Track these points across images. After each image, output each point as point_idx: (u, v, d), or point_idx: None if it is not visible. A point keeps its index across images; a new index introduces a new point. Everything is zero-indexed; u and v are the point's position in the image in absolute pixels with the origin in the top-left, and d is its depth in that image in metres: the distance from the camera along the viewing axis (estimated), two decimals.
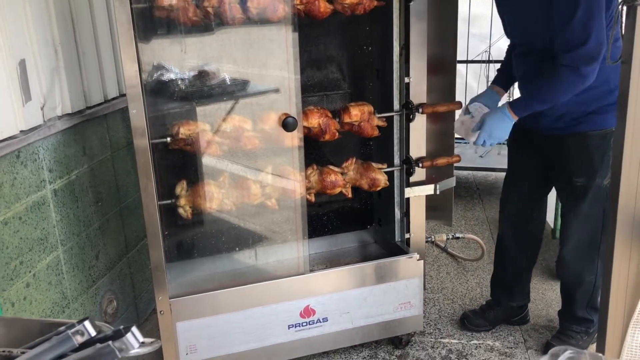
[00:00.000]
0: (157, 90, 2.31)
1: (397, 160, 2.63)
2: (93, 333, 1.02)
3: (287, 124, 2.30)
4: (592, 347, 2.64)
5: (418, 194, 2.62)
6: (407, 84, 2.47)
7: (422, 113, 2.49)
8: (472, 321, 2.90)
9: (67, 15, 2.37)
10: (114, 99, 2.72)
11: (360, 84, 2.79)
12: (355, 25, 2.65)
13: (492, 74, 4.68)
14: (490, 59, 4.78)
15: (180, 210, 2.37)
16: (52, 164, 2.30)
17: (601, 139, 2.34)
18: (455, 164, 2.69)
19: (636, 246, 1.58)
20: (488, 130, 2.39)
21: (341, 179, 2.55)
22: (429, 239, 3.31)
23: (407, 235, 2.69)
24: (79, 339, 1.01)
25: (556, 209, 3.45)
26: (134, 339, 1.00)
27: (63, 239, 2.38)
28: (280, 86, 2.37)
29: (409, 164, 2.56)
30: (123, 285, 2.84)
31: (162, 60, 2.29)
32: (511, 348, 2.76)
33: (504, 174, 4.77)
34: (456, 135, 2.76)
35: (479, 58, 4.97)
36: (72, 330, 1.01)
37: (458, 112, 2.65)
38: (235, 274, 2.60)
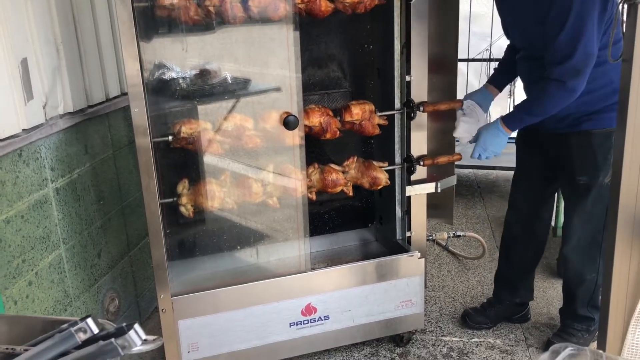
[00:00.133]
0: (159, 88, 2.32)
1: (398, 159, 2.63)
2: (96, 330, 1.03)
3: (288, 123, 2.30)
4: (593, 345, 2.64)
5: (419, 192, 2.63)
6: (408, 83, 2.47)
7: (423, 111, 2.49)
8: (473, 319, 2.90)
9: (69, 14, 2.38)
10: (115, 97, 2.72)
11: (361, 82, 2.80)
12: (356, 23, 2.65)
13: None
14: (491, 57, 4.78)
15: (182, 209, 2.38)
16: (54, 163, 2.30)
17: (604, 138, 2.34)
18: (456, 162, 2.69)
19: (637, 245, 1.58)
20: (483, 145, 2.45)
21: (342, 177, 2.55)
22: (430, 237, 3.32)
23: (408, 234, 2.70)
24: (82, 337, 1.02)
25: (557, 207, 3.45)
26: (137, 336, 1.00)
27: (65, 238, 2.38)
28: (282, 85, 2.38)
29: (410, 162, 2.56)
30: (125, 283, 2.85)
31: (163, 59, 2.30)
32: (512, 346, 2.77)
33: (505, 172, 4.82)
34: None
35: (480, 56, 4.97)
36: (75, 327, 1.02)
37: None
38: (236, 272, 2.61)
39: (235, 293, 2.40)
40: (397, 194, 2.68)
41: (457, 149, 2.77)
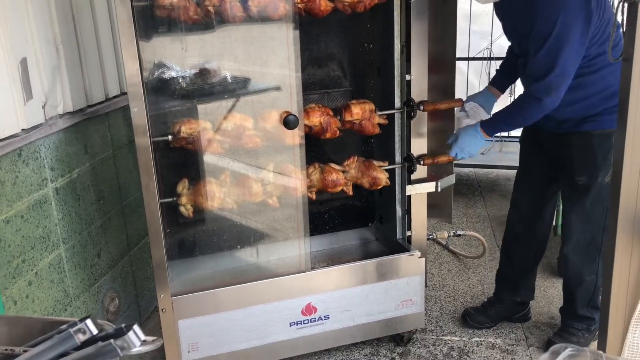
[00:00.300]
0: (159, 88, 2.31)
1: (398, 158, 2.63)
2: (95, 331, 1.02)
3: (288, 122, 2.30)
4: (594, 345, 2.64)
5: (419, 192, 2.63)
6: (408, 82, 2.47)
7: (423, 110, 2.49)
8: (473, 318, 2.90)
9: (69, 13, 2.38)
10: (115, 97, 2.72)
11: (361, 81, 2.79)
12: (356, 23, 2.65)
13: (494, 72, 4.68)
14: (492, 56, 4.77)
15: (182, 209, 2.38)
16: (53, 163, 2.30)
17: (604, 139, 2.35)
18: (456, 161, 2.69)
19: (637, 245, 1.58)
20: (460, 146, 2.48)
21: (342, 177, 2.55)
22: (430, 237, 3.32)
23: (408, 233, 2.70)
24: (81, 337, 1.02)
25: (558, 207, 3.45)
26: (136, 337, 1.00)
27: (65, 237, 2.38)
28: (282, 84, 2.37)
29: (410, 162, 2.56)
30: (125, 283, 2.85)
31: (163, 58, 2.30)
32: (513, 345, 2.77)
33: (505, 171, 4.82)
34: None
35: (480, 55, 4.96)
36: (74, 328, 1.02)
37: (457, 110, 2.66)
38: (236, 271, 2.60)
39: (236, 293, 2.40)
40: (397, 193, 2.68)
41: None
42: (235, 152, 2.39)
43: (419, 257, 2.60)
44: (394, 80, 2.52)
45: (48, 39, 2.26)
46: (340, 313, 2.55)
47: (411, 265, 2.60)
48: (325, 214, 2.93)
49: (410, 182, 2.60)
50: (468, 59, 5.12)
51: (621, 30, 1.59)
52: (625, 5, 1.45)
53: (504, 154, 4.56)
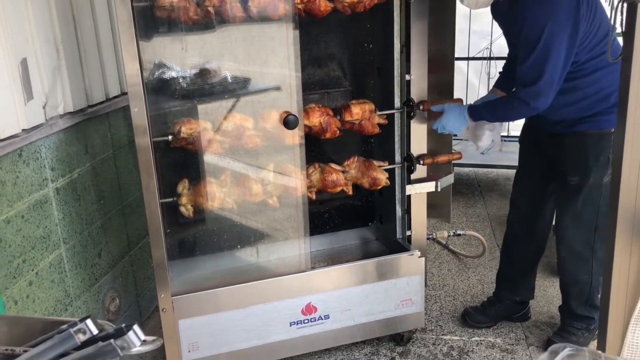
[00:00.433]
0: (159, 88, 2.32)
1: (398, 158, 2.63)
2: (95, 331, 1.03)
3: (288, 122, 2.30)
4: (594, 344, 2.64)
5: (419, 191, 2.63)
6: (408, 82, 2.47)
7: (422, 110, 2.49)
8: (473, 318, 2.90)
9: (69, 14, 2.38)
10: (115, 97, 2.72)
11: (361, 81, 2.80)
12: (356, 23, 2.65)
13: (494, 71, 4.69)
14: (492, 55, 4.78)
15: (182, 209, 2.38)
16: (54, 163, 2.30)
17: (598, 139, 2.37)
18: (456, 161, 2.69)
19: (637, 244, 1.58)
20: (444, 122, 2.50)
21: (342, 177, 2.55)
22: (430, 236, 3.32)
23: (408, 233, 2.70)
24: (81, 337, 1.02)
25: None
26: (136, 337, 1.00)
27: (65, 237, 2.39)
28: (282, 84, 2.38)
29: (410, 161, 2.56)
30: (125, 283, 2.85)
31: (163, 59, 2.30)
32: (512, 345, 2.77)
33: (505, 170, 4.82)
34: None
35: (480, 55, 4.96)
36: (74, 328, 1.02)
37: None
38: (237, 271, 2.61)
39: (236, 292, 2.40)
40: (397, 193, 2.68)
41: (457, 148, 2.77)
42: (235, 152, 2.39)
43: (419, 257, 2.61)
44: (394, 80, 2.52)
45: (48, 39, 2.26)
46: (340, 313, 2.55)
47: (411, 264, 2.60)
48: (325, 214, 2.94)
49: (410, 182, 2.60)
50: (468, 58, 5.12)
51: (613, 31, 1.59)
52: (624, 5, 1.45)
53: (504, 153, 4.56)
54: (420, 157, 2.55)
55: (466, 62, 5.16)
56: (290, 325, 2.50)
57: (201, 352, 2.41)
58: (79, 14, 2.43)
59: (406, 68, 2.46)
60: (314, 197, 2.54)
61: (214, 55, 2.36)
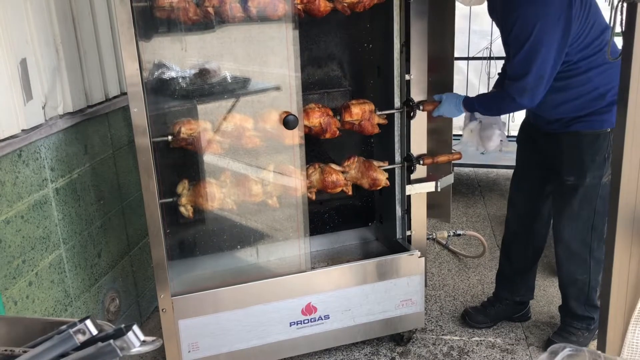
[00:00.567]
0: (158, 88, 2.31)
1: (398, 158, 2.63)
2: (94, 332, 1.03)
3: (288, 122, 2.30)
4: (594, 344, 2.64)
5: (419, 191, 2.63)
6: (408, 82, 2.47)
7: (422, 110, 2.49)
8: (473, 318, 2.90)
9: (68, 14, 2.38)
10: (115, 97, 2.72)
11: (361, 81, 2.79)
12: (356, 22, 2.65)
13: (493, 71, 4.69)
14: (492, 55, 4.78)
15: (182, 209, 2.38)
16: (53, 163, 2.30)
17: (594, 139, 2.37)
18: (455, 161, 2.69)
19: (637, 244, 1.58)
20: (441, 111, 2.53)
21: (342, 178, 2.55)
22: (430, 236, 3.32)
23: (408, 233, 2.70)
24: (81, 338, 1.02)
25: None
26: (135, 337, 1.00)
27: (65, 238, 2.39)
28: (281, 84, 2.38)
29: (410, 162, 2.56)
30: (125, 283, 2.85)
31: (162, 59, 2.30)
32: (512, 344, 2.77)
33: (505, 170, 4.82)
34: (455, 132, 2.77)
35: (480, 55, 4.96)
36: (74, 329, 1.02)
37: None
38: (237, 271, 2.61)
39: (236, 293, 2.40)
40: (397, 193, 2.68)
41: (457, 148, 2.77)
42: (235, 152, 2.39)
43: (419, 257, 2.61)
44: (394, 80, 2.52)
45: (48, 39, 2.26)
46: (340, 313, 2.55)
47: (411, 264, 2.60)
48: (325, 214, 2.94)
49: (410, 182, 2.60)
50: (468, 58, 5.12)
51: (613, 31, 1.59)
52: (624, 5, 1.45)
53: (504, 153, 4.56)
54: (420, 157, 2.55)
55: (466, 62, 5.16)
56: (290, 325, 2.50)
57: (201, 352, 2.41)
58: (78, 14, 2.43)
59: (406, 68, 2.46)
60: (313, 197, 2.54)
61: (214, 55, 2.36)
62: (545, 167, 2.59)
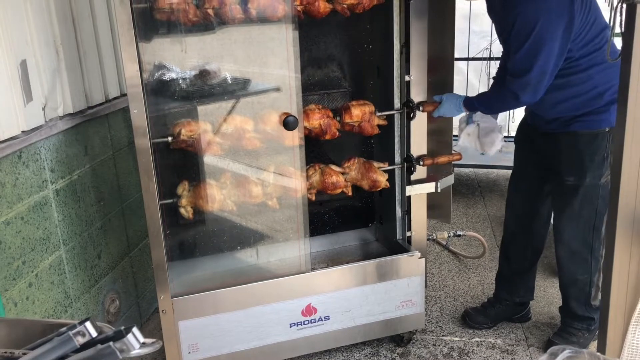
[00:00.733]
0: (158, 89, 2.32)
1: (398, 158, 2.63)
2: (94, 334, 1.03)
3: (288, 123, 2.30)
4: (594, 345, 2.64)
5: (419, 192, 2.63)
6: (408, 82, 2.47)
7: (422, 111, 2.49)
8: (473, 318, 2.90)
9: (68, 15, 2.38)
10: (115, 98, 2.72)
11: (361, 82, 2.79)
12: (356, 23, 2.65)
13: (493, 71, 4.68)
14: (491, 56, 4.78)
15: (182, 211, 2.38)
16: (53, 164, 2.30)
17: (592, 139, 2.37)
18: (455, 162, 2.69)
19: (637, 244, 1.58)
20: (442, 112, 2.53)
21: (342, 180, 2.55)
22: (431, 237, 3.32)
23: (408, 233, 2.70)
24: (80, 340, 1.02)
25: None
26: (135, 339, 1.00)
27: (65, 239, 2.39)
28: (281, 85, 2.38)
29: (409, 162, 2.56)
30: (125, 284, 2.85)
31: (162, 60, 2.30)
32: (513, 345, 2.77)
33: (505, 171, 4.82)
34: (455, 133, 2.77)
35: (480, 55, 4.96)
36: (74, 331, 1.01)
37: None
38: (237, 272, 2.60)
39: (236, 294, 2.40)
40: (397, 193, 2.68)
41: (457, 148, 2.77)
42: (235, 153, 2.39)
43: (419, 258, 2.60)
44: (394, 81, 2.52)
45: (48, 40, 2.26)
46: (340, 314, 2.55)
47: (411, 265, 2.60)
48: (325, 215, 2.93)
49: (410, 183, 2.60)
50: (468, 59, 5.12)
51: (612, 31, 1.59)
52: (624, 5, 1.45)
53: (504, 154, 4.56)
54: (420, 157, 2.55)
55: (466, 62, 5.16)
56: (290, 326, 2.50)
57: (201, 353, 2.41)
58: (78, 15, 2.43)
59: (406, 69, 2.46)
60: (313, 198, 2.54)
61: (214, 57, 2.36)
62: (543, 167, 2.59)
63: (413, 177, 2.60)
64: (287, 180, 2.45)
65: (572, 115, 2.39)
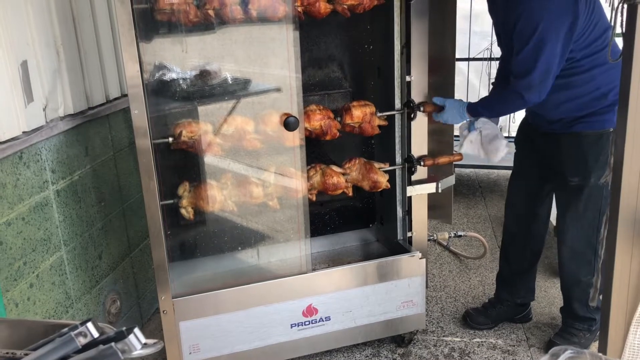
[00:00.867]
0: (159, 90, 2.32)
1: (398, 159, 2.63)
2: (96, 334, 1.02)
3: (289, 124, 2.30)
4: (595, 345, 2.64)
5: (420, 193, 2.63)
6: (409, 83, 2.47)
7: (423, 112, 2.49)
8: (474, 319, 2.90)
9: (69, 16, 2.38)
10: (115, 99, 2.72)
11: (361, 82, 2.80)
12: (356, 24, 2.65)
13: (494, 72, 4.68)
14: (492, 56, 4.78)
15: (183, 211, 2.38)
16: (54, 165, 2.30)
17: (596, 139, 2.37)
18: (456, 162, 2.69)
19: (638, 245, 1.58)
20: (445, 117, 2.52)
21: (343, 180, 2.55)
22: (431, 237, 3.32)
23: (409, 234, 2.70)
24: (82, 341, 1.02)
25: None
26: (137, 340, 1.00)
27: (66, 240, 2.39)
28: (282, 85, 2.38)
29: (410, 163, 2.56)
30: (126, 285, 2.85)
31: (163, 60, 2.30)
32: (514, 346, 2.76)
33: (506, 171, 4.81)
34: (456, 133, 2.77)
35: (480, 56, 4.96)
36: (75, 331, 1.01)
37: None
38: (237, 273, 2.61)
39: (236, 294, 2.40)
40: (397, 194, 2.68)
41: (458, 149, 2.77)
42: (235, 154, 2.39)
43: (420, 258, 2.60)
44: (394, 82, 2.52)
45: (48, 41, 2.26)
46: (341, 314, 2.55)
47: (412, 266, 2.60)
48: (325, 215, 2.93)
49: (411, 183, 2.60)
50: (468, 59, 5.12)
51: (613, 32, 1.60)
52: (625, 6, 1.45)
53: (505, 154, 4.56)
54: (421, 158, 2.55)
55: (466, 62, 5.16)
56: (291, 327, 2.50)
57: (202, 354, 2.40)
58: (79, 16, 2.43)
59: (406, 69, 2.46)
60: (314, 198, 2.54)
61: (214, 57, 2.36)
62: (544, 167, 2.58)
63: (414, 178, 2.60)
64: (288, 180, 2.45)
65: (576, 116, 2.38)
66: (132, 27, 2.00)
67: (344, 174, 2.57)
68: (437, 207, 2.99)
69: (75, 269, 2.44)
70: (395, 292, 2.60)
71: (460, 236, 3.62)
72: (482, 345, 2.78)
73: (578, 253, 2.55)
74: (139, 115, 2.10)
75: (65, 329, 1.03)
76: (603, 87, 2.31)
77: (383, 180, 2.58)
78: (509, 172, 4.16)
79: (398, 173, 2.65)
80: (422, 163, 2.55)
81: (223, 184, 2.40)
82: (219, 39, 2.30)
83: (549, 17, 2.15)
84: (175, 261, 2.49)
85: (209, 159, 2.39)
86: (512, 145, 2.71)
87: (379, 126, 2.55)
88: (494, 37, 4.71)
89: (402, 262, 2.59)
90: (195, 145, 2.30)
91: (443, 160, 2.58)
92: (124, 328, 1.02)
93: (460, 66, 5.03)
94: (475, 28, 5.05)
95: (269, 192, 2.44)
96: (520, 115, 2.86)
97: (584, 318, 2.65)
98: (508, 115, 4.94)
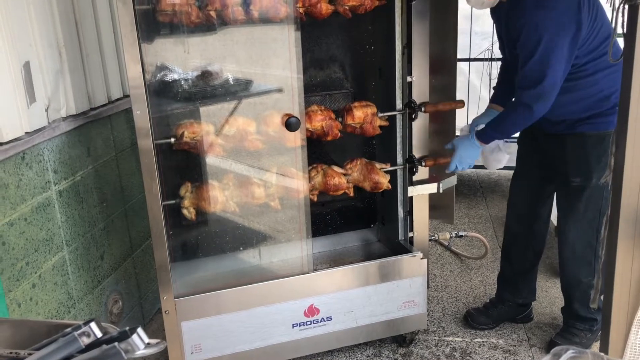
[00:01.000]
0: (161, 90, 2.32)
1: (400, 159, 2.63)
2: (99, 334, 1.03)
3: (290, 124, 2.30)
4: (596, 345, 2.64)
5: (421, 193, 2.63)
6: (410, 83, 2.48)
7: (424, 112, 2.50)
8: (475, 319, 2.90)
9: (71, 17, 2.38)
10: (118, 100, 2.73)
11: (362, 83, 2.80)
12: (358, 24, 2.66)
13: (495, 72, 4.68)
14: (493, 57, 4.77)
15: (185, 212, 2.38)
16: (56, 165, 2.31)
17: (599, 140, 2.37)
18: None
19: (639, 245, 1.58)
20: (459, 158, 2.51)
21: (344, 181, 2.55)
22: (433, 238, 3.32)
23: (410, 234, 2.70)
24: (85, 340, 1.02)
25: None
26: (140, 340, 1.00)
27: (68, 240, 2.39)
28: (284, 86, 2.38)
29: (411, 163, 2.57)
30: (128, 285, 2.85)
31: (165, 61, 2.30)
32: (515, 346, 2.77)
33: (507, 171, 4.81)
34: (457, 133, 2.77)
35: (481, 56, 4.96)
36: (79, 331, 1.02)
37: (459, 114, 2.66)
38: (239, 273, 2.61)
39: (238, 294, 2.40)
40: (399, 194, 2.69)
41: None
42: (237, 154, 2.40)
43: (421, 258, 2.61)
44: (396, 82, 2.53)
45: (51, 42, 2.27)
46: (342, 314, 2.56)
47: (413, 266, 2.60)
48: (327, 216, 2.94)
49: (412, 184, 2.61)
50: (469, 59, 5.12)
51: (615, 33, 1.60)
52: (625, 7, 1.45)
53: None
54: (422, 158, 2.55)
55: (468, 63, 5.15)
56: (293, 327, 2.51)
57: (204, 354, 2.41)
58: (81, 17, 2.43)
59: (408, 69, 2.47)
60: (315, 198, 2.55)
61: (216, 58, 2.37)
62: (546, 168, 2.59)
63: (415, 178, 2.60)
64: (290, 181, 2.46)
65: (579, 117, 2.38)
66: (134, 28, 2.01)
67: (345, 175, 2.57)
68: (438, 207, 2.99)
69: (77, 269, 2.45)
70: (397, 292, 2.60)
71: (461, 236, 3.62)
72: (484, 345, 2.78)
73: (579, 254, 2.55)
74: (141, 116, 2.10)
75: (69, 329, 1.04)
76: (606, 90, 2.32)
77: (384, 181, 2.58)
78: (510, 172, 4.16)
79: (399, 173, 2.65)
80: (423, 163, 2.55)
81: (225, 184, 2.40)
82: (220, 40, 2.31)
83: (554, 28, 2.14)
84: (177, 261, 2.49)
85: (210, 160, 2.40)
86: (512, 148, 2.71)
87: (380, 127, 2.55)
88: (495, 38, 4.73)
89: (404, 262, 2.59)
90: (197, 146, 2.31)
91: (444, 160, 2.58)
92: (127, 328, 1.02)
93: (461, 66, 5.02)
94: (476, 28, 5.04)
95: (270, 193, 2.44)
96: None
97: (585, 318, 2.65)
98: None
